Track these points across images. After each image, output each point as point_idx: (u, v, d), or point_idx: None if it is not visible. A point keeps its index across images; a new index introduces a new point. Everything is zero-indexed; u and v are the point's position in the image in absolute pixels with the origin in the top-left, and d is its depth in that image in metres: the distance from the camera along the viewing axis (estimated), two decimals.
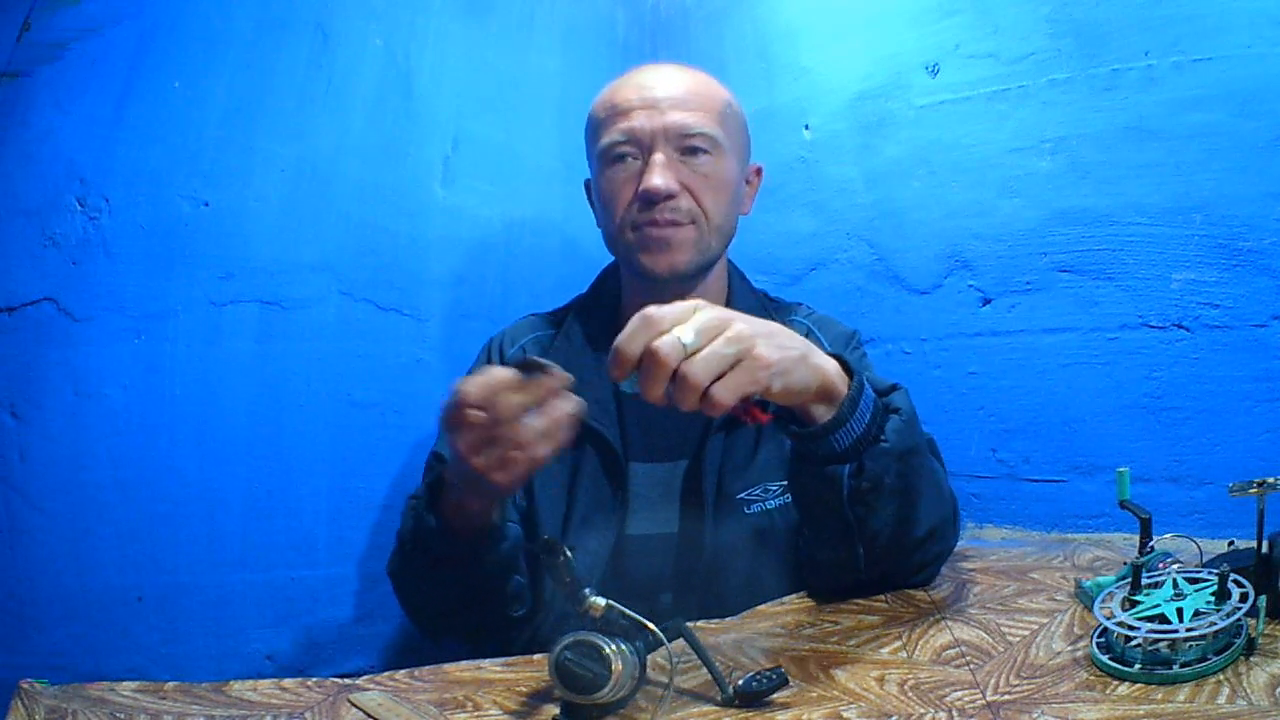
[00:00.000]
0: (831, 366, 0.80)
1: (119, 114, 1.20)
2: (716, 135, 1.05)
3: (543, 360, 0.80)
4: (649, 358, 0.69)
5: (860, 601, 0.86)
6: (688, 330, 0.70)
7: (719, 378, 0.71)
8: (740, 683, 0.65)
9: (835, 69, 1.48)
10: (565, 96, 1.51)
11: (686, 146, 1.04)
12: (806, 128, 1.51)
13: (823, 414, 0.80)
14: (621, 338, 0.71)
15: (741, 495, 1.02)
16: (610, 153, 1.05)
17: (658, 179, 1.01)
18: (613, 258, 1.15)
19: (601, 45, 1.60)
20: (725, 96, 1.09)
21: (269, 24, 1.28)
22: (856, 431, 0.80)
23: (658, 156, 1.03)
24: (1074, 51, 1.30)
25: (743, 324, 0.73)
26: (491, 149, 1.44)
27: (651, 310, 0.71)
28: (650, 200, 1.02)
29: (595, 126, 1.09)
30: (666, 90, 1.05)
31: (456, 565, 0.93)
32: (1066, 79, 1.30)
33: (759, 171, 1.17)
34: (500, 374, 0.79)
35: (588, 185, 1.16)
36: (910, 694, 0.65)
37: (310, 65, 1.30)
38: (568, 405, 0.80)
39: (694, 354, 0.70)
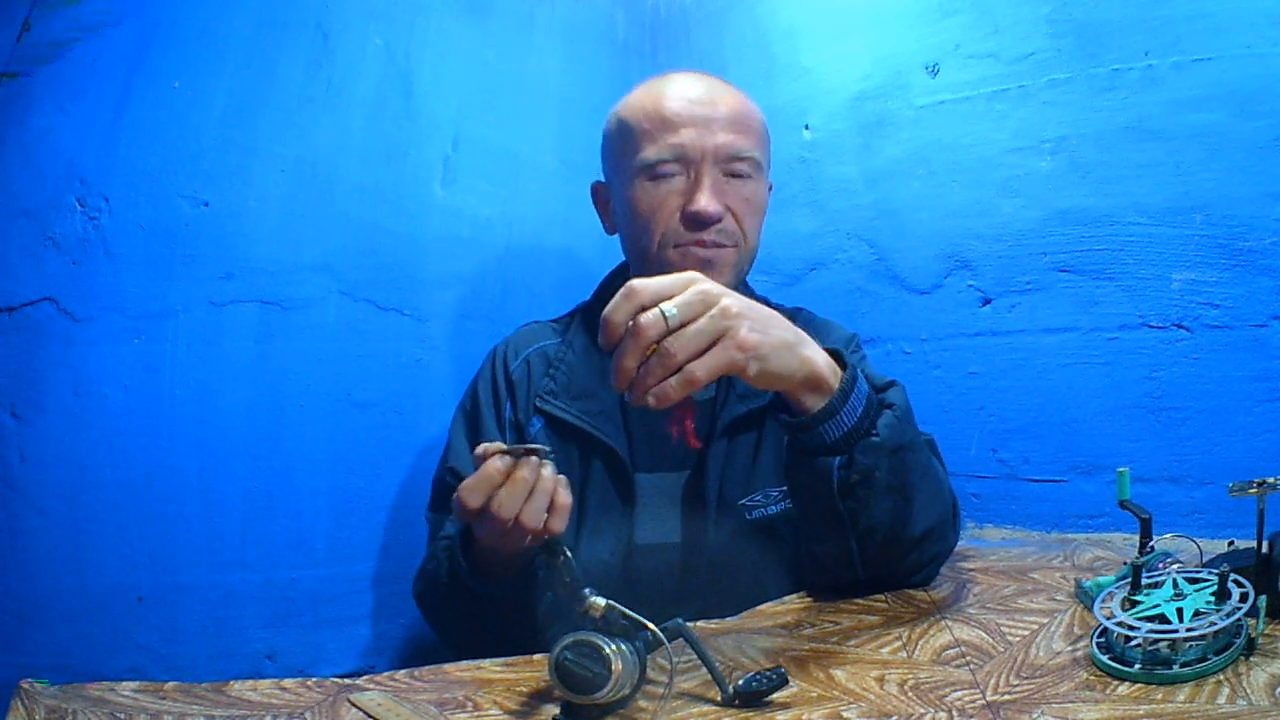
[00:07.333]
0: (822, 358, 0.80)
1: (119, 114, 1.20)
2: (759, 158, 1.05)
3: (529, 446, 0.78)
4: (631, 329, 0.69)
5: (860, 601, 0.86)
6: (672, 305, 0.70)
7: (699, 355, 0.70)
8: (740, 683, 0.65)
9: (835, 69, 1.48)
10: (565, 96, 1.51)
11: (732, 170, 1.02)
12: (806, 128, 1.51)
13: (814, 404, 0.80)
14: (609, 308, 0.71)
15: (743, 501, 1.02)
16: (655, 169, 1.02)
17: (710, 202, 1.00)
18: (620, 260, 1.15)
19: (601, 45, 1.60)
20: (762, 117, 1.08)
21: (269, 24, 1.28)
22: (847, 424, 0.80)
23: (707, 178, 1.01)
24: (1074, 51, 1.30)
25: (730, 302, 0.73)
26: (491, 149, 1.44)
27: (636, 283, 0.71)
28: (700, 222, 1.00)
29: (633, 136, 1.04)
30: (716, 108, 1.02)
31: (494, 601, 0.93)
32: (1066, 79, 1.30)
33: (770, 189, 1.16)
34: (492, 469, 0.77)
35: (596, 189, 1.15)
36: (910, 694, 0.65)
37: (310, 65, 1.30)
38: (562, 490, 0.79)
39: (677, 329, 0.70)
